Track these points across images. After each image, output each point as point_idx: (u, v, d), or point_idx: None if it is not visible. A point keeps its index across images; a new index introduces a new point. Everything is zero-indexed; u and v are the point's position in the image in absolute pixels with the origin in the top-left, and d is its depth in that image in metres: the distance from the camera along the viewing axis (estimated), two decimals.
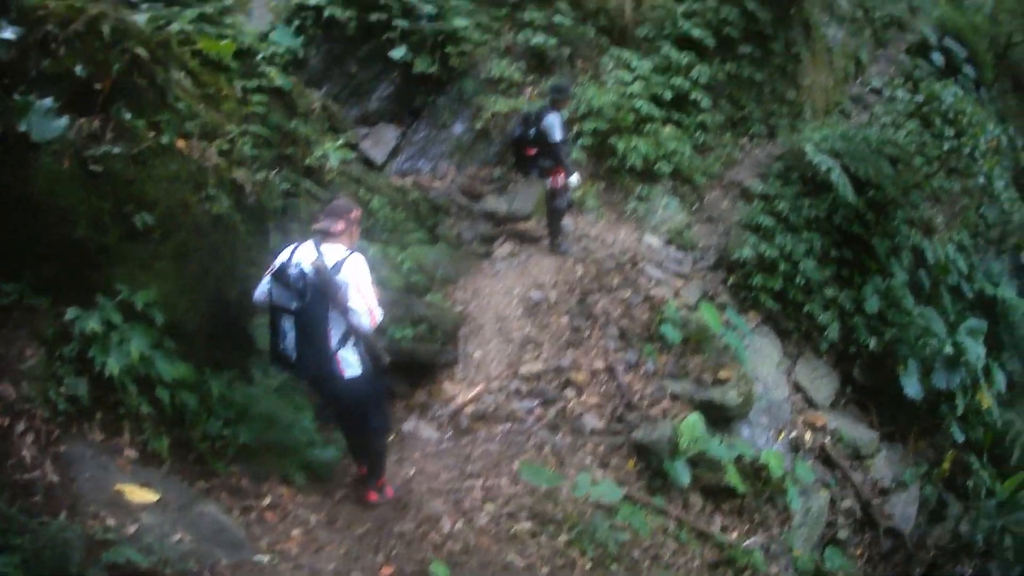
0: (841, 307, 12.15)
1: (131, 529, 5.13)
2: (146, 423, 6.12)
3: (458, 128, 13.33)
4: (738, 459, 9.35)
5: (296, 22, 12.59)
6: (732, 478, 9.19)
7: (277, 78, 9.27)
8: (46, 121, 5.70)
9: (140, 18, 7.33)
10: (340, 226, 6.25)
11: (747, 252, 11.94)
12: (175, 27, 8.04)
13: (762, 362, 11.14)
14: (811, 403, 11.69)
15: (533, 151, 10.85)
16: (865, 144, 13.11)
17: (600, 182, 13.10)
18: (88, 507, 5.10)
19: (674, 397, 9.82)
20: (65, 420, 5.60)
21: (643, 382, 10.00)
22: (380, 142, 13.13)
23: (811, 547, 9.84)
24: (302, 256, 6.07)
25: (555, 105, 10.84)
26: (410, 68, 12.90)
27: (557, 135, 10.64)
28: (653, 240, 12.41)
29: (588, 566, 7.17)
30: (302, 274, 5.93)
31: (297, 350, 6.04)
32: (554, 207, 11.32)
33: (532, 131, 10.75)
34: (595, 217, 12.67)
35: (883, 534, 10.73)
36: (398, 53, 12.70)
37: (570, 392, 9.71)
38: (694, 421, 9.12)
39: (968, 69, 18.66)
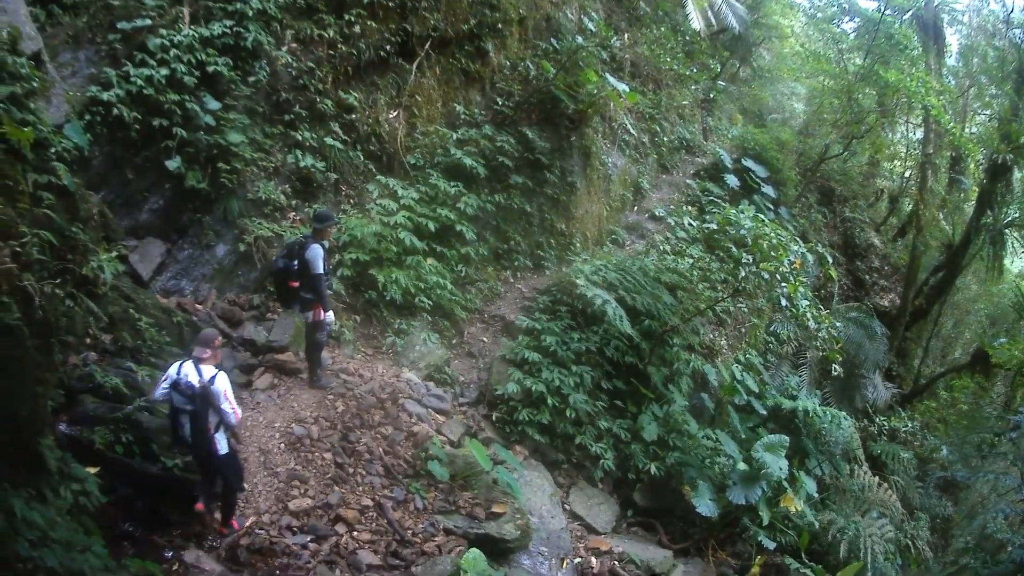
0: (616, 436, 13.80)
1: None
2: None
3: (221, 250, 14.23)
4: None
5: (88, 117, 13.10)
6: None
7: (64, 177, 9.80)
8: None
9: None
10: (208, 353, 9.84)
11: (512, 387, 13.48)
12: None
13: (534, 494, 12.67)
14: (592, 529, 13.29)
15: (295, 283, 12.14)
16: (642, 274, 15.00)
17: (358, 315, 14.45)
18: None
19: (448, 532, 11.23)
20: None
21: (414, 518, 11.39)
22: (147, 257, 13.76)
23: None
24: (187, 371, 9.62)
25: (317, 236, 12.18)
26: (182, 181, 13.76)
27: (319, 267, 11.95)
28: (412, 376, 13.82)
29: None
30: (191, 386, 9.54)
31: (192, 437, 9.60)
32: (315, 340, 12.61)
33: (295, 263, 12.04)
34: (352, 351, 13.97)
35: None
36: (173, 164, 13.56)
37: (341, 528, 10.90)
38: (475, 556, 10.38)
39: (767, 189, 20.91)
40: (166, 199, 14.10)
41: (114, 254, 11.08)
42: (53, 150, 9.94)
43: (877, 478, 16.86)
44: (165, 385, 9.71)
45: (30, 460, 8.06)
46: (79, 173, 11.12)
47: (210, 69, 14.12)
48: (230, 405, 9.72)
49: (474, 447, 12.05)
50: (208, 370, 9.71)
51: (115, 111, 13.20)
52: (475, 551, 10.50)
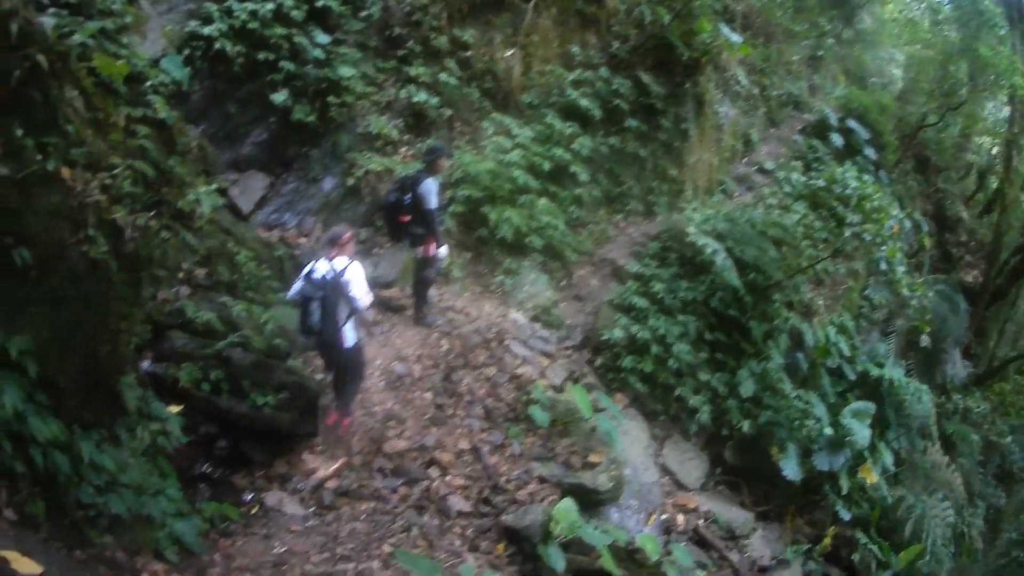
0: (714, 390, 12.62)
1: None
2: (22, 484, 5.99)
3: (328, 184, 13.36)
4: (612, 543, 9.50)
5: (186, 51, 12.38)
6: (607, 563, 9.31)
7: (161, 110, 9.18)
8: None
9: (48, 22, 7.10)
10: (337, 250, 9.46)
11: (617, 333, 12.33)
12: (76, 38, 7.73)
13: (630, 445, 11.50)
14: (681, 485, 12.11)
15: (406, 218, 11.04)
16: (749, 226, 13.77)
17: (467, 252, 13.39)
18: None
19: (542, 480, 10.11)
20: None
21: (509, 464, 10.28)
22: (248, 190, 12.99)
23: None
24: (320, 267, 9.36)
25: (431, 170, 11.06)
26: (288, 115, 12.93)
27: (432, 202, 10.87)
28: (519, 317, 12.72)
29: None
30: (323, 277, 9.26)
31: (320, 324, 9.27)
32: (423, 277, 11.55)
33: (407, 197, 10.94)
34: (460, 289, 12.93)
35: None
36: (279, 97, 12.69)
37: (434, 472, 9.88)
38: (567, 506, 9.32)
39: (869, 151, 19.57)
40: (271, 132, 13.22)
41: (213, 187, 10.16)
42: (148, 84, 9.41)
43: (947, 458, 15.38)
44: (298, 283, 9.51)
45: (107, 399, 7.12)
46: (177, 107, 10.34)
47: (319, 3, 13.12)
48: (360, 292, 9.38)
49: (577, 393, 10.80)
50: (340, 262, 9.40)
51: (216, 45, 12.35)
52: (567, 501, 9.42)
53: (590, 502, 10.03)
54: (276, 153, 13.34)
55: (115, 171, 6.82)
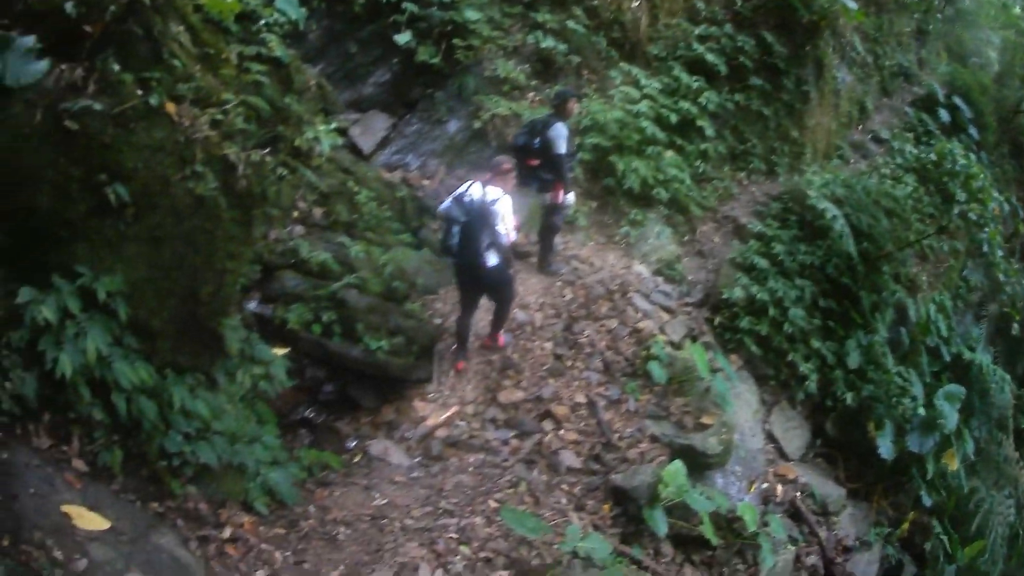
0: (823, 358, 11.53)
1: (80, 565, 4.44)
2: (98, 432, 5.39)
3: (453, 125, 12.48)
4: (714, 510, 8.69)
5: None
6: (707, 529, 8.55)
7: (277, 48, 8.51)
8: (24, 63, 4.96)
9: None
10: (498, 176, 8.88)
11: (737, 293, 11.30)
12: None
13: (740, 409, 10.46)
14: (783, 454, 11.07)
15: (535, 162, 10.13)
16: (864, 194, 12.59)
17: (593, 201, 12.38)
18: (32, 533, 4.36)
19: (653, 439, 9.16)
20: (8, 422, 4.85)
21: (623, 420, 9.34)
22: (369, 130, 12.20)
23: None
24: (473, 190, 8.68)
25: (561, 113, 10.18)
26: (412, 56, 12.05)
27: (561, 147, 9.98)
28: (642, 269, 11.69)
29: None
30: (471, 201, 8.63)
31: (459, 246, 8.68)
32: (550, 224, 10.62)
33: (536, 141, 10.03)
34: (584, 238, 11.96)
35: None
36: (403, 38, 11.86)
37: (548, 425, 9.03)
38: (677, 469, 8.46)
39: (972, 130, 18.23)
40: (393, 73, 12.41)
41: (332, 126, 9.46)
42: (262, 22, 8.91)
43: (1018, 454, 13.94)
44: (449, 200, 8.89)
45: (206, 342, 6.46)
46: (294, 46, 9.69)
47: None
48: (505, 228, 8.70)
49: (695, 351, 9.83)
50: (493, 192, 8.71)
51: None
52: (677, 463, 8.52)
53: (698, 465, 9.06)
54: (399, 94, 12.54)
55: (227, 107, 6.20)
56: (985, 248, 12.98)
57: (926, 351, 13.09)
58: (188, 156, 5.71)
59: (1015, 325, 14.44)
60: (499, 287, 9.14)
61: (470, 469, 8.25)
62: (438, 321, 9.94)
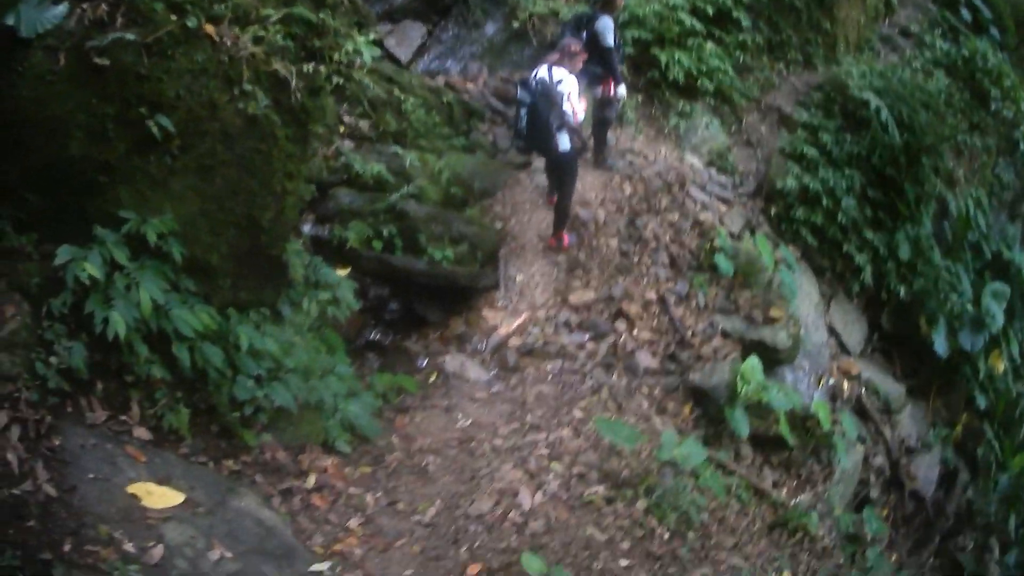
0: (875, 250, 10.44)
1: (156, 554, 3.54)
2: (159, 392, 4.46)
3: (490, 28, 11.26)
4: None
5: None
6: (783, 429, 7.71)
7: None
8: (40, 11, 4.13)
9: None
10: (565, 57, 7.95)
11: (791, 183, 10.12)
12: None
13: (802, 301, 9.39)
14: (844, 348, 10.07)
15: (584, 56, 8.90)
16: (901, 86, 11.23)
17: (639, 95, 11.07)
18: (97, 528, 3.44)
19: (725, 335, 8.21)
20: (58, 402, 3.91)
21: (694, 316, 8.36)
22: (405, 40, 11.07)
23: (845, 505, 8.38)
24: (540, 73, 7.84)
25: (607, 7, 8.97)
26: None
27: (610, 40, 8.79)
28: (695, 161, 10.56)
29: (666, 536, 5.75)
30: (537, 82, 7.78)
31: (527, 129, 7.88)
32: (603, 118, 9.41)
33: (584, 34, 8.81)
34: (634, 132, 10.73)
35: (907, 496, 9.37)
36: None
37: (621, 325, 8.02)
38: (754, 365, 7.56)
39: (993, 31, 16.44)
40: None
41: (371, 37, 8.26)
42: None
43: None
44: (519, 86, 8.15)
45: (268, 273, 5.52)
46: None
47: None
48: (571, 107, 7.78)
49: (760, 242, 8.82)
50: (559, 72, 7.84)
51: None
52: (753, 359, 7.60)
53: (768, 360, 8.02)
54: (430, 2, 11.32)
55: (268, 22, 5.23)
56: (1022, 146, 12.00)
57: (968, 247, 11.81)
58: (235, 76, 4.81)
59: None
60: (566, 173, 8.27)
61: (549, 378, 7.33)
62: (499, 225, 8.87)
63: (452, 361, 7.36)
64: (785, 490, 7.69)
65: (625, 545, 5.47)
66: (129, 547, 3.45)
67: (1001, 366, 10.67)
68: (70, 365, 3.96)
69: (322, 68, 5.65)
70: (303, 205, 6.99)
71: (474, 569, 4.72)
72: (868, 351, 10.55)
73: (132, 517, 3.62)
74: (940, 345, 10.13)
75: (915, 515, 9.44)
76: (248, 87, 4.81)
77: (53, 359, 3.90)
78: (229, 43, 4.78)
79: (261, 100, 4.90)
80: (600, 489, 5.91)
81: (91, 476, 3.68)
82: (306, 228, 7.40)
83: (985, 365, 10.61)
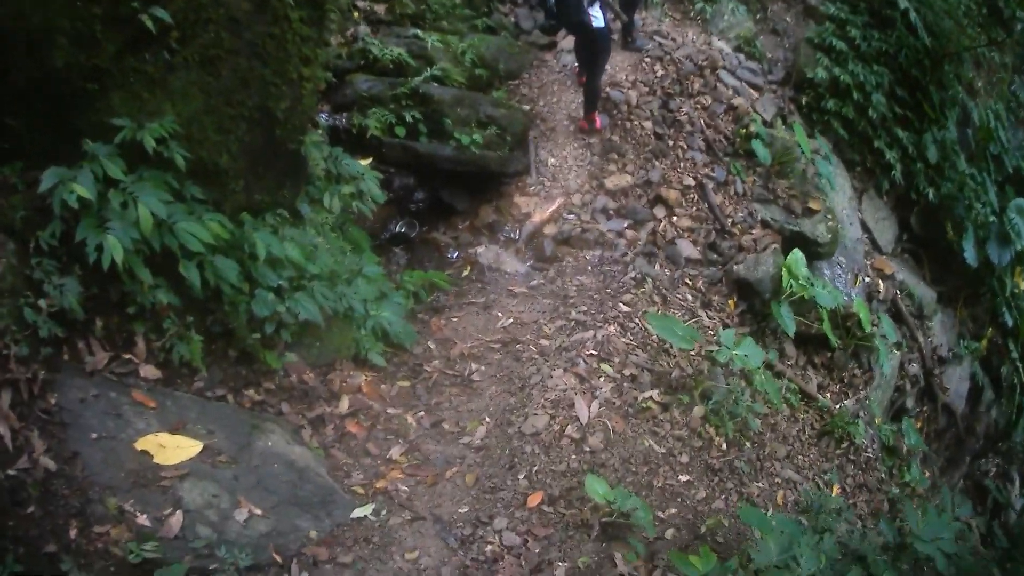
0: (904, 149, 9.52)
1: (174, 524, 2.91)
2: (167, 320, 3.69)
3: None
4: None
5: None
6: (827, 329, 7.06)
7: None
8: None
9: None
10: None
11: (821, 74, 9.13)
12: None
13: (836, 194, 8.54)
14: (876, 246, 9.27)
15: None
16: None
17: None
18: (105, 501, 2.77)
19: (764, 225, 7.42)
20: (52, 352, 3.17)
21: (733, 204, 7.55)
22: None
23: (883, 414, 7.77)
24: None
25: None
26: None
27: None
28: (723, 45, 9.48)
29: (724, 446, 5.22)
30: None
31: (556, 7, 6.83)
32: None
33: None
34: (660, 14, 9.63)
35: (940, 410, 8.72)
36: None
37: (660, 211, 7.23)
38: (797, 258, 6.86)
39: None
40: None
41: None
42: None
43: None
44: None
45: (286, 170, 4.70)
46: None
47: None
48: None
49: (797, 130, 8.00)
50: None
51: None
52: (797, 252, 6.91)
53: (809, 254, 7.26)
54: None
55: None
56: None
57: (991, 159, 10.75)
58: None
59: None
60: (597, 50, 7.25)
61: (589, 268, 6.58)
62: (527, 107, 7.93)
63: (486, 253, 6.61)
64: (829, 394, 7.11)
65: (684, 458, 4.91)
66: (143, 520, 2.81)
67: (1023, 283, 9.89)
68: (63, 306, 3.22)
69: None
70: (319, 94, 6.08)
71: (535, 499, 4.08)
72: (899, 251, 9.74)
73: (144, 480, 2.95)
74: (970, 254, 9.30)
75: (946, 430, 8.88)
76: None
77: (43, 302, 3.16)
78: None
79: None
80: (654, 394, 5.27)
81: (94, 436, 3.00)
82: (322, 117, 6.50)
83: (1011, 281, 9.84)
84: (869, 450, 6.75)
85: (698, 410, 5.31)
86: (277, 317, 4.21)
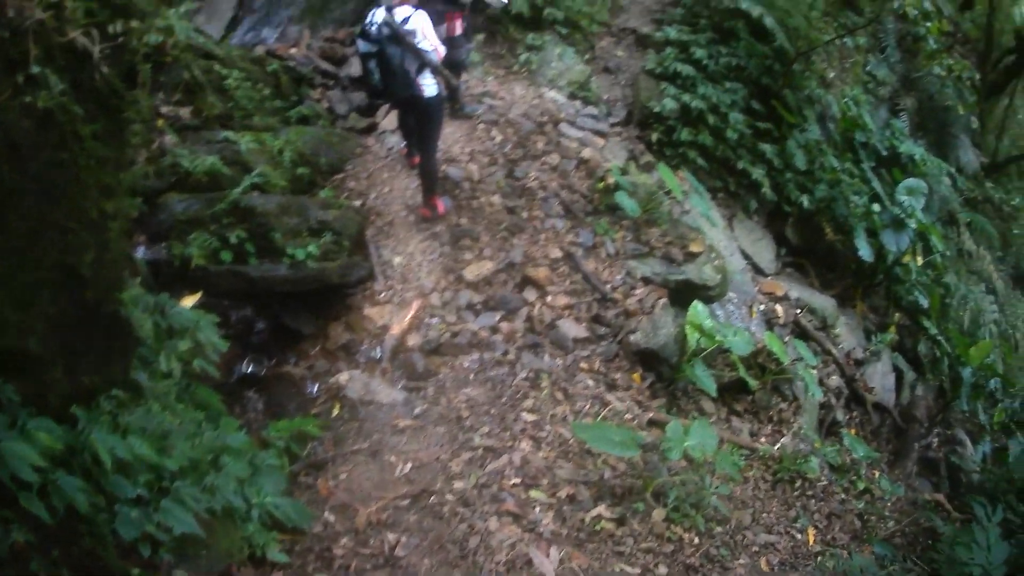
0: (769, 163, 9.50)
1: None
2: (33, 563, 2.82)
3: None
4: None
5: None
6: (742, 372, 6.76)
7: None
8: None
9: None
10: None
11: (669, 104, 8.94)
12: None
13: (710, 228, 8.32)
14: (758, 270, 9.16)
15: None
16: None
17: (478, 34, 9.55)
18: None
19: (646, 281, 7.06)
20: None
21: (607, 267, 7.13)
22: (215, 15, 9.43)
23: (818, 435, 7.51)
24: (377, 17, 6.35)
25: None
26: None
27: None
28: (555, 95, 9.17)
29: (696, 539, 4.82)
30: (378, 28, 6.31)
31: (382, 81, 6.47)
32: (454, 59, 7.69)
33: None
34: (482, 73, 9.27)
35: (871, 409, 8.65)
36: None
37: (531, 294, 6.66)
38: (699, 311, 6.51)
39: None
40: None
41: (182, 9, 6.42)
42: None
43: (980, 248, 12.00)
44: (358, 38, 6.67)
45: (108, 335, 3.68)
46: None
47: None
48: (430, 44, 6.46)
49: (663, 171, 7.66)
50: (402, 10, 6.41)
51: None
52: (698, 305, 6.57)
53: (700, 300, 6.86)
54: None
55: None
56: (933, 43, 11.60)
57: (860, 147, 10.98)
58: (17, 56, 2.98)
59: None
60: (429, 122, 6.81)
61: (472, 377, 5.87)
62: (358, 203, 7.19)
63: (352, 384, 5.69)
64: (763, 439, 6.78)
65: (662, 570, 4.43)
66: None
67: (919, 261, 10.01)
68: None
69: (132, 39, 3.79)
70: (129, 226, 5.08)
71: None
72: (780, 267, 9.72)
73: None
74: (864, 250, 9.37)
75: (882, 426, 8.78)
76: (36, 69, 2.97)
77: None
78: (11, 12, 2.94)
79: (55, 86, 3.07)
80: (601, 510, 4.70)
81: None
82: (139, 253, 5.52)
83: (913, 262, 9.95)
84: (823, 477, 6.42)
85: (658, 513, 4.82)
86: (149, 537, 3.23)
